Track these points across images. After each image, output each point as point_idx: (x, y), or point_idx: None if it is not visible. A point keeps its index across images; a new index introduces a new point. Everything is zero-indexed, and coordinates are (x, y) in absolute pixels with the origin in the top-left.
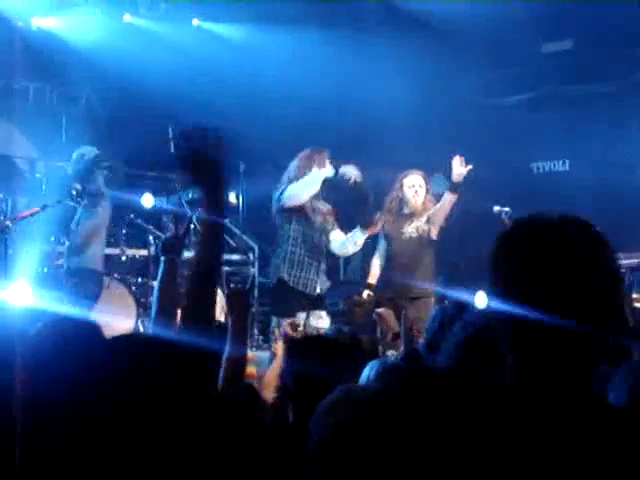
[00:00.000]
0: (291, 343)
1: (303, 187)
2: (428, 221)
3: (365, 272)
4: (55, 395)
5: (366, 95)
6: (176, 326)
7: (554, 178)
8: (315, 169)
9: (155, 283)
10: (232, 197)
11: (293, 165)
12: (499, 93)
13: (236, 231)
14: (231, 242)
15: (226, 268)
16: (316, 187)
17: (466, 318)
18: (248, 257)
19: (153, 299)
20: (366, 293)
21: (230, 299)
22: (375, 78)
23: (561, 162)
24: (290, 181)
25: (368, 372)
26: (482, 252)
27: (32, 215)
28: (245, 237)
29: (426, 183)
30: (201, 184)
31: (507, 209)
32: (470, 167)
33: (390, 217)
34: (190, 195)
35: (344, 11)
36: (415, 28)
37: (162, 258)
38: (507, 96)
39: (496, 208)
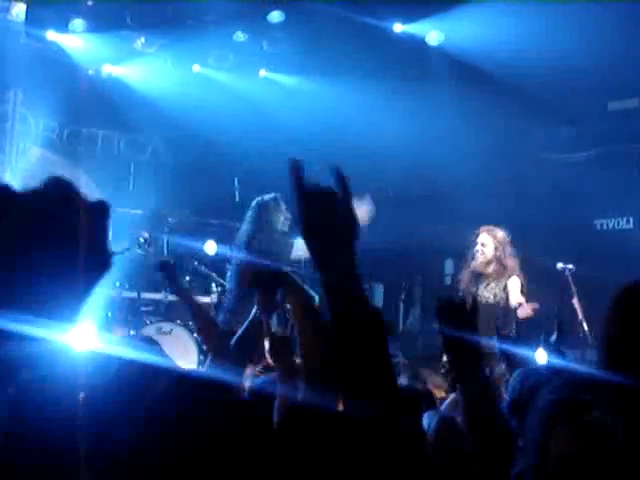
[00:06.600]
0: None
1: None
2: (505, 288)
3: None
4: (120, 443)
5: (433, 148)
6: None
7: (618, 236)
8: None
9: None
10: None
11: None
12: (564, 149)
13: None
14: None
15: None
16: None
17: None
18: None
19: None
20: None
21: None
22: (442, 131)
23: (625, 220)
24: None
25: (427, 422)
26: (546, 308)
27: None
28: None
29: (496, 240)
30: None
31: (570, 266)
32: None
33: (467, 275)
34: None
35: (413, 65)
36: (483, 83)
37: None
38: (572, 152)
39: (559, 265)
